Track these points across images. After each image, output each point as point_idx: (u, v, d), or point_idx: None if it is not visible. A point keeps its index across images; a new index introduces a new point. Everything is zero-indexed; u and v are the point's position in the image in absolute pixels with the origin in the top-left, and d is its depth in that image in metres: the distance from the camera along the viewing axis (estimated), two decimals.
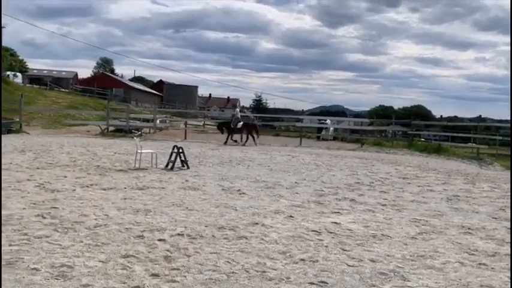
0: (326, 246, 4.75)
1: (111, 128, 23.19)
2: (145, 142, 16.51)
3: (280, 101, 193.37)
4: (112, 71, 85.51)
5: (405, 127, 28.99)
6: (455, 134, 27.36)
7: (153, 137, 22.18)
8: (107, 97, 42.82)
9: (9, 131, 19.69)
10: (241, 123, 20.42)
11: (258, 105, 72.83)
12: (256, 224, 5.53)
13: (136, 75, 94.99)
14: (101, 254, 4.08)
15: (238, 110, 22.37)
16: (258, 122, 34.58)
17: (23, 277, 3.45)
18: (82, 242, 4.43)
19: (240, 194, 7.56)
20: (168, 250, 4.31)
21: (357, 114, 74.68)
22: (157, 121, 25.84)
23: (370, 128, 31.89)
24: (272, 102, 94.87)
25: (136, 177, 8.85)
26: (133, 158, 11.10)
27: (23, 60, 45.17)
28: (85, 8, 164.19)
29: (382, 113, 50.76)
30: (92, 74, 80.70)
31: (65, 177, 8.45)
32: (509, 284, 3.93)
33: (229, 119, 21.38)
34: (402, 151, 19.51)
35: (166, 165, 10.43)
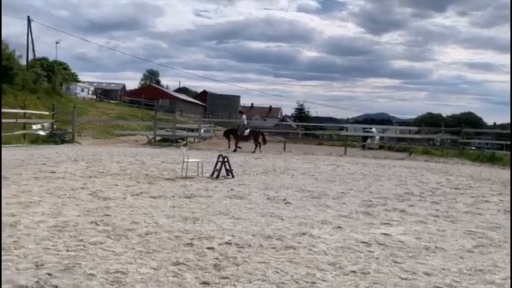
0: (377, 258, 4.60)
1: (157, 138, 23.86)
2: (190, 151, 16.81)
3: (323, 110, 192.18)
4: (158, 82, 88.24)
5: (455, 135, 27.88)
6: (510, 142, 25.92)
7: (198, 146, 22.59)
8: (153, 108, 44.19)
9: (63, 141, 20.71)
10: (248, 130, 20.88)
11: (300, 114, 72.52)
12: (304, 234, 5.46)
13: (181, 86, 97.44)
14: (152, 261, 4.16)
15: (244, 117, 22.39)
16: (301, 130, 34.48)
17: (81, 282, 3.57)
18: (134, 248, 4.54)
19: (286, 203, 7.52)
20: (217, 258, 4.34)
21: (403, 122, 72.60)
22: (202, 131, 26.31)
23: (418, 136, 30.91)
24: (314, 111, 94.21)
25: (184, 185, 9.01)
26: (180, 167, 11.34)
27: (75, 73, 47.52)
28: (132, 22, 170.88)
29: (430, 121, 49.16)
30: (139, 86, 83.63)
31: (116, 185, 8.74)
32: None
33: (236, 126, 21.83)
34: (452, 160, 18.77)
35: (212, 174, 10.56)
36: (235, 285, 3.68)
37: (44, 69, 36.16)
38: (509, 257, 4.81)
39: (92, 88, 55.83)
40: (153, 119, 25.92)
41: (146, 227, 5.48)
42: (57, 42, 46.02)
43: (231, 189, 8.69)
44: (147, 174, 10.50)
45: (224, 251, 4.59)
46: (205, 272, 3.94)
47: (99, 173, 10.41)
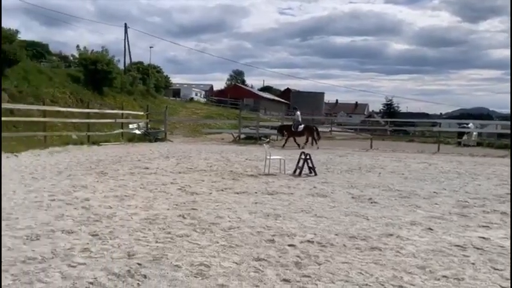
0: (473, 264, 4.21)
1: (242, 136, 24.38)
2: (273, 149, 16.95)
3: (414, 105, 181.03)
4: (243, 82, 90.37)
5: None
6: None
7: (281, 144, 22.67)
8: (238, 107, 45.29)
9: (156, 140, 22.04)
10: (302, 126, 20.38)
11: (389, 110, 69.40)
12: (391, 235, 5.18)
13: (265, 84, 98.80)
14: (234, 256, 4.22)
15: (298, 113, 21.61)
16: (390, 127, 33.00)
17: (167, 273, 3.73)
18: (218, 242, 4.65)
19: (372, 202, 7.21)
20: (298, 256, 4.28)
21: (506, 117, 66.25)
22: None
23: None
24: (404, 106, 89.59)
25: (266, 182, 9.08)
26: (263, 164, 11.45)
27: (167, 76, 50.32)
28: (219, 24, 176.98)
29: None
30: (226, 86, 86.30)
31: (203, 181, 9.07)
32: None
33: (290, 123, 21.40)
34: None
35: (294, 172, 10.51)
36: (316, 284, 3.59)
37: (139, 73, 38.81)
38: None
39: (203, 92, 60.28)
40: (238, 117, 26.52)
41: (230, 221, 5.59)
42: (151, 47, 49.28)
43: (314, 187, 8.56)
44: (231, 171, 10.76)
45: (306, 249, 4.51)
46: (286, 269, 3.90)
47: (187, 169, 10.89)
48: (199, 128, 30.86)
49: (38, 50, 37.04)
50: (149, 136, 22.17)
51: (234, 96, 59.33)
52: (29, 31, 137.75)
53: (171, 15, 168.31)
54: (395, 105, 71.72)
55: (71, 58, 36.21)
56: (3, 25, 21.16)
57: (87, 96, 25.94)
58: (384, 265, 4.11)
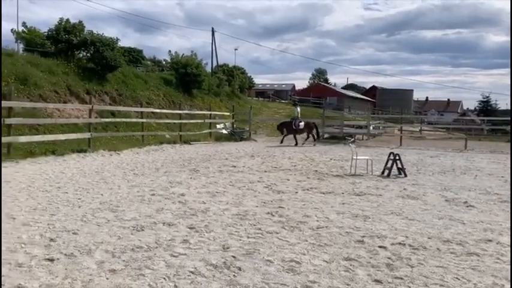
0: None
1: (326, 135, 24.19)
2: (359, 149, 16.59)
3: None
4: (326, 80, 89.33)
5: None
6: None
7: (367, 144, 22.12)
8: (321, 106, 44.92)
9: (241, 139, 22.72)
10: (303, 123, 19.83)
11: (486, 107, 64.08)
12: (490, 241, 4.89)
13: (349, 82, 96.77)
14: (324, 254, 4.29)
15: (299, 109, 20.84)
16: (486, 126, 30.58)
17: (260, 267, 3.92)
18: (307, 241, 4.75)
19: (467, 206, 6.82)
20: (389, 258, 4.23)
21: None
22: (371, 127, 25.66)
23: None
24: (504, 103, 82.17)
25: (353, 183, 8.98)
26: (348, 164, 11.32)
27: (250, 76, 51.50)
28: (302, 23, 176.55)
29: None
30: (308, 85, 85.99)
31: (288, 180, 9.22)
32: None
33: (290, 119, 20.48)
34: None
35: (382, 172, 10.25)
36: (409, 287, 3.54)
37: (224, 74, 40.20)
38: None
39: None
40: (321, 116, 26.34)
41: (317, 221, 5.66)
42: (235, 49, 51.02)
43: (404, 189, 8.30)
44: (316, 171, 10.79)
45: (397, 251, 4.44)
46: (378, 270, 3.89)
47: (272, 168, 11.13)
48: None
49: (133, 56, 40.01)
50: (235, 135, 22.93)
51: (317, 95, 58.90)
52: (125, 38, 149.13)
53: (254, 16, 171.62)
54: (493, 102, 66.02)
55: (163, 62, 38.64)
56: (104, 33, 23.24)
57: (178, 98, 27.49)
58: (482, 271, 3.91)
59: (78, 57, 22.54)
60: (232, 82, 40.44)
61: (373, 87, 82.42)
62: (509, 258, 4.28)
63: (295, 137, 19.78)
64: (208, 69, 39.11)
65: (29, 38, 22.17)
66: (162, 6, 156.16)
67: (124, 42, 49.74)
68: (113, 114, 19.20)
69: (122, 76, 23.92)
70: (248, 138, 23.31)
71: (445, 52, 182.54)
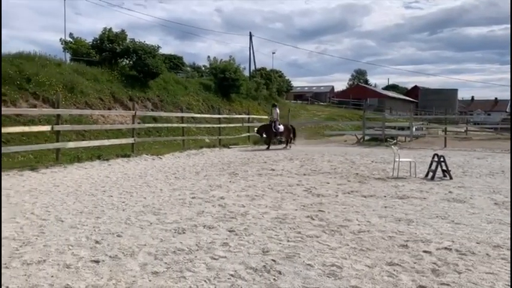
0: None
1: (366, 137, 23.74)
2: (401, 151, 16.15)
3: None
4: (366, 81, 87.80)
5: None
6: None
7: (410, 146, 21.52)
8: (361, 107, 44.15)
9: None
10: (282, 126, 19.02)
11: None
12: None
13: (390, 83, 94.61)
14: (366, 259, 4.19)
15: (278, 111, 19.50)
16: None
17: (301, 271, 3.88)
18: (348, 245, 4.66)
19: None
20: (435, 263, 4.07)
21: None
22: (414, 129, 24.95)
23: None
24: None
25: (395, 186, 8.74)
26: (390, 167, 11.04)
27: (288, 79, 51.42)
28: (340, 24, 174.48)
29: None
30: (347, 86, 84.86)
31: (328, 183, 9.11)
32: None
33: (269, 122, 19.37)
34: None
35: (426, 175, 9.92)
36: None
37: (262, 78, 40.37)
38: None
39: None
40: (362, 118, 25.89)
41: (359, 225, 5.55)
42: (273, 53, 51.17)
43: (449, 192, 7.98)
44: (357, 173, 10.59)
45: (443, 256, 4.27)
46: (423, 276, 3.75)
47: (311, 171, 11.03)
48: (321, 130, 30.88)
49: (174, 62, 40.95)
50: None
51: (357, 97, 57.97)
52: (165, 45, 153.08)
53: (291, 20, 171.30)
54: None
55: (203, 68, 39.27)
56: (146, 41, 23.94)
57: (217, 102, 27.87)
58: None
59: (121, 65, 23.36)
60: (270, 85, 40.55)
61: (415, 88, 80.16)
62: None
63: (270, 140, 19.08)
64: (246, 73, 39.45)
65: (76, 48, 23.20)
66: (201, 13, 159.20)
67: (165, 50, 51.09)
68: (154, 119, 19.72)
69: (163, 82, 24.53)
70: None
71: (492, 49, 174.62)
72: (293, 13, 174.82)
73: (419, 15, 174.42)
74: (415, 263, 4.09)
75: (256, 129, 20.60)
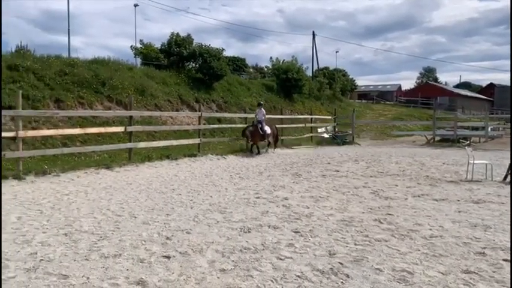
0: None
1: (437, 138, 22.61)
2: (476, 152, 15.20)
3: None
4: (435, 79, 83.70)
5: None
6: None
7: (484, 147, 20.19)
8: (431, 106, 42.15)
9: (344, 143, 22.26)
10: (268, 128, 16.28)
11: None
12: None
13: (462, 81, 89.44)
14: (439, 265, 3.99)
15: (263, 110, 16.67)
16: None
17: (369, 275, 3.77)
18: (419, 250, 4.46)
19: None
20: None
21: None
22: (489, 129, 23.37)
23: None
24: None
25: (470, 189, 8.24)
26: (463, 169, 10.44)
27: (352, 78, 50.29)
28: (407, 20, 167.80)
29: None
30: (415, 85, 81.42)
31: (396, 186, 8.78)
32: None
33: (255, 123, 16.33)
34: None
35: (504, 178, 9.24)
36: None
37: (325, 78, 39.84)
38: None
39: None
40: (431, 118, 24.66)
41: (430, 229, 5.29)
42: (336, 51, 50.38)
43: None
44: (427, 176, 10.11)
45: None
46: (503, 286, 3.50)
47: (378, 173, 10.69)
48: (388, 130, 29.86)
49: (237, 64, 41.65)
50: (337, 139, 22.54)
51: (426, 95, 55.40)
52: (229, 48, 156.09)
53: (355, 17, 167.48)
54: None
55: (265, 69, 39.59)
56: (212, 44, 24.58)
57: (280, 103, 27.92)
58: None
59: (188, 68, 24.16)
60: (334, 85, 39.94)
61: (491, 85, 74.96)
62: None
63: (254, 144, 16.00)
64: (309, 73, 39.16)
65: (146, 53, 24.37)
66: (264, 14, 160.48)
67: (228, 52, 52.10)
68: (219, 120, 20.18)
69: (227, 84, 25.03)
70: (351, 142, 22.75)
71: None
72: (357, 10, 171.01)
73: (496, 8, 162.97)
74: (494, 272, 3.84)
75: (242, 131, 16.75)
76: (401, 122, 32.98)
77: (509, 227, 5.41)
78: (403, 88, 76.76)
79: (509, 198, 7.26)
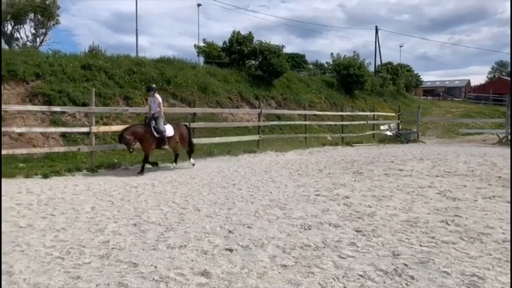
0: None
1: (510, 137, 21.12)
2: None
3: None
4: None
5: None
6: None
7: None
8: (504, 103, 39.44)
9: (408, 141, 21.46)
10: (170, 126, 10.43)
11: None
12: None
13: None
14: None
15: (159, 98, 10.40)
16: None
17: (436, 278, 3.63)
18: (491, 254, 4.22)
19: None
20: None
21: None
22: None
23: None
24: None
25: None
26: None
27: (417, 74, 48.24)
28: (477, 12, 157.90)
29: None
30: (486, 80, 76.56)
31: (465, 186, 8.34)
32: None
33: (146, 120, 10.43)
34: None
35: None
36: None
37: (389, 73, 38.56)
38: None
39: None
40: (505, 115, 23.07)
41: (503, 233, 4.98)
42: (400, 46, 48.46)
43: None
44: (499, 177, 9.49)
45: None
46: None
47: (445, 173, 10.21)
48: (455, 128, 28.37)
49: (296, 61, 41.49)
50: (400, 137, 21.78)
51: (498, 92, 51.85)
52: (288, 44, 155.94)
53: (420, 10, 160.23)
54: None
55: (326, 65, 39.08)
56: (271, 41, 24.70)
57: (340, 99, 27.46)
58: None
59: (248, 65, 24.47)
60: (397, 81, 38.57)
61: None
62: None
63: (146, 154, 10.00)
64: (371, 68, 38.09)
65: (208, 51, 24.99)
66: (323, 9, 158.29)
67: (288, 49, 51.96)
68: (278, 117, 20.25)
69: (286, 81, 25.04)
70: (416, 140, 21.88)
71: None
72: (422, 3, 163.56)
73: None
74: None
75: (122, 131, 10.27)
76: (470, 119, 31.15)
77: None
78: (473, 84, 72.39)
79: None
